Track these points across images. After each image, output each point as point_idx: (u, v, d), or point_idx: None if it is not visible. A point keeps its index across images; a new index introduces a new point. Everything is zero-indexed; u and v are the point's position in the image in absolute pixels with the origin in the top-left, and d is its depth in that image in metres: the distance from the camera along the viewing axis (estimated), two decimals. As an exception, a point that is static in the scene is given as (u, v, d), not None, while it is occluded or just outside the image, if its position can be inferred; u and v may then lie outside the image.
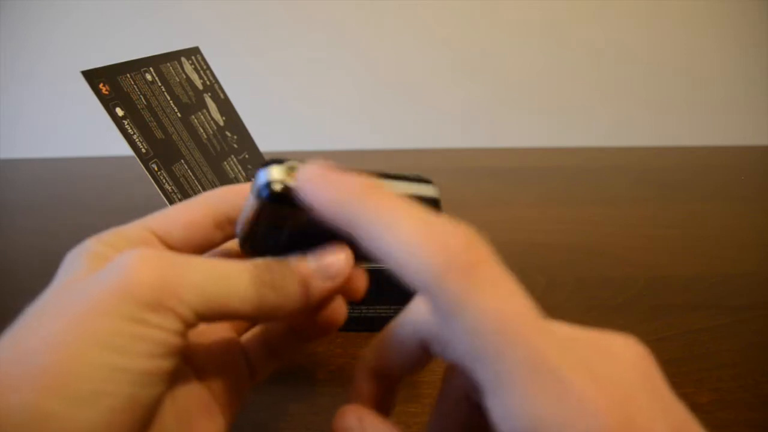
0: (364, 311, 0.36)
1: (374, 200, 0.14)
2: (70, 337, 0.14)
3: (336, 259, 0.18)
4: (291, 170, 0.16)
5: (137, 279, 0.15)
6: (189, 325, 0.16)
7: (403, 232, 0.13)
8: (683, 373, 0.32)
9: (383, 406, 0.19)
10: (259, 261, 0.17)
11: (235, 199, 0.19)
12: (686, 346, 0.35)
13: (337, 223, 0.15)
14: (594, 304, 0.40)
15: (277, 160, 0.16)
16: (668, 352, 0.34)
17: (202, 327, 0.20)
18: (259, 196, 0.16)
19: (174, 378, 0.18)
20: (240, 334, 0.22)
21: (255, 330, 0.22)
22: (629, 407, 0.12)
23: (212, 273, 0.16)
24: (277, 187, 0.15)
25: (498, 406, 0.12)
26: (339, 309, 0.20)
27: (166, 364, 0.15)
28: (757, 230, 0.53)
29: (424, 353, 0.18)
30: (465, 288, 0.13)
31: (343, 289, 0.19)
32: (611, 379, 0.13)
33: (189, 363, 0.19)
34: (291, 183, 0.15)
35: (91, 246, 0.18)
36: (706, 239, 0.50)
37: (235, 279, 0.16)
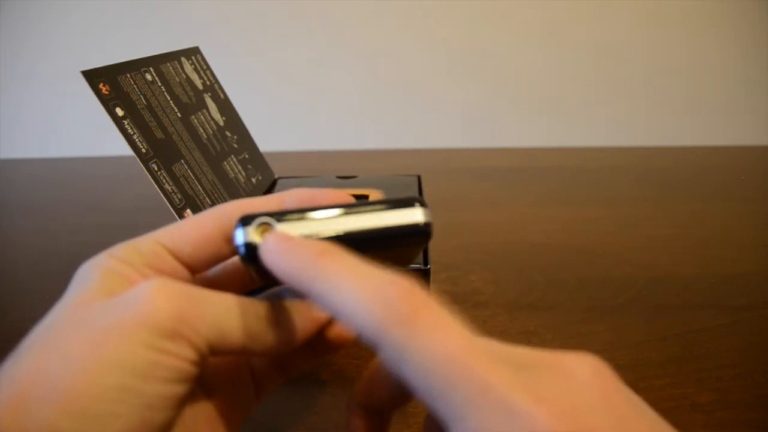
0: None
1: (323, 266, 0.15)
2: (89, 359, 0.15)
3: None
4: (263, 228, 0.17)
5: (156, 308, 0.16)
6: (202, 355, 0.16)
7: (347, 292, 0.15)
8: (683, 373, 0.32)
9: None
10: (271, 298, 0.19)
11: (248, 209, 0.20)
12: (686, 346, 0.35)
13: (295, 287, 0.16)
14: (594, 304, 0.40)
15: (251, 217, 0.17)
16: (668, 352, 0.34)
17: None
18: (237, 252, 0.17)
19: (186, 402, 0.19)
20: None
21: None
22: (577, 420, 0.12)
23: (226, 309, 0.17)
24: (249, 249, 0.17)
25: None
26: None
27: (179, 389, 0.16)
28: (757, 230, 0.53)
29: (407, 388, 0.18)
30: (406, 336, 0.14)
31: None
32: (559, 396, 0.13)
33: (205, 392, 0.20)
34: (260, 242, 0.17)
35: (104, 261, 0.18)
36: (706, 239, 0.50)
37: (249, 313, 0.18)
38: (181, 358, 0.16)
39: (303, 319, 0.19)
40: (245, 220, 0.17)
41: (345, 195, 0.20)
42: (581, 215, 0.56)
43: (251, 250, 0.17)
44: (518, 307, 0.39)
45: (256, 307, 0.18)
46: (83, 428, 0.14)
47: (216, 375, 0.20)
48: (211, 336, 0.16)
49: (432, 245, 0.37)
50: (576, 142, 0.91)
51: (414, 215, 0.18)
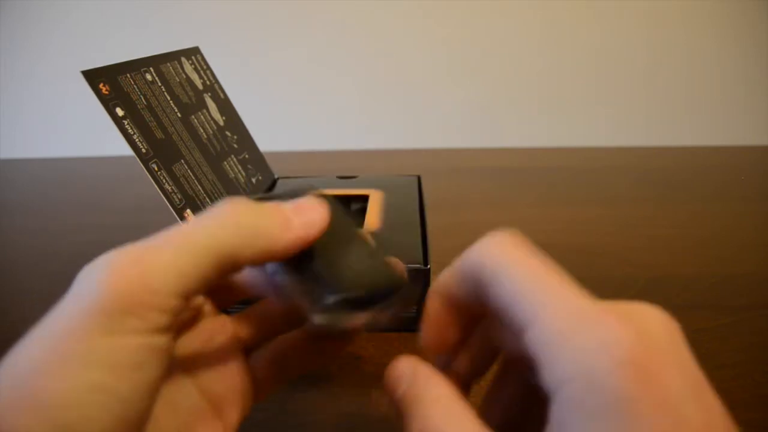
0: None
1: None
2: (52, 359, 0.14)
3: (312, 208, 0.19)
4: None
5: (105, 289, 0.15)
6: (172, 310, 0.15)
7: (467, 251, 0.18)
8: (683, 373, 0.32)
9: (448, 332, 0.20)
10: (240, 206, 0.17)
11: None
12: (686, 346, 0.35)
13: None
14: (594, 304, 0.40)
15: None
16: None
17: (207, 344, 0.21)
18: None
19: (173, 385, 0.19)
20: (247, 350, 0.22)
21: (263, 348, 0.22)
22: (647, 340, 0.13)
23: (185, 245, 0.16)
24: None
25: (531, 334, 0.15)
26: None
27: (152, 370, 0.15)
28: (757, 230, 0.53)
29: (480, 292, 0.19)
30: (504, 254, 0.17)
31: None
32: (630, 317, 0.14)
33: (192, 377, 0.20)
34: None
35: (102, 260, 0.18)
36: (706, 239, 0.50)
37: (216, 233, 0.16)
38: (147, 331, 0.15)
39: (275, 222, 0.18)
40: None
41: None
42: (581, 215, 0.56)
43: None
44: (518, 307, 0.39)
45: (224, 222, 0.17)
46: None
47: (212, 374, 0.20)
48: (176, 285, 0.15)
49: (432, 245, 0.37)
50: (576, 142, 0.91)
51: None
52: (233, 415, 0.20)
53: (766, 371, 0.32)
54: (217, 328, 0.21)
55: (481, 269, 0.17)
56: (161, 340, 0.15)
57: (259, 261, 0.17)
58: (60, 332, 0.14)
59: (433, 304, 0.19)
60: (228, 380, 0.20)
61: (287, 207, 0.19)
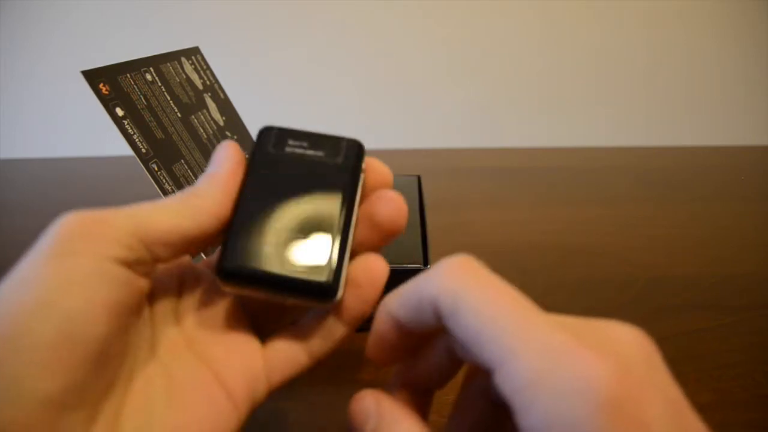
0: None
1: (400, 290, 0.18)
2: (4, 286, 0.15)
3: (219, 151, 0.21)
4: None
5: (64, 221, 0.16)
6: (130, 249, 0.16)
7: (418, 278, 0.17)
8: (683, 373, 0.32)
9: (397, 350, 0.19)
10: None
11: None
12: (686, 346, 0.35)
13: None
14: (594, 304, 0.40)
15: None
16: (668, 352, 0.34)
17: (215, 321, 0.20)
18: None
19: (166, 350, 0.19)
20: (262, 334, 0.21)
21: (278, 333, 0.21)
22: (624, 370, 0.13)
23: (140, 205, 0.18)
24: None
25: (501, 378, 0.14)
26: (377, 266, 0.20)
27: (104, 294, 0.15)
28: (757, 230, 0.53)
29: (452, 360, 0.18)
30: (461, 287, 0.15)
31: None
32: (605, 347, 0.13)
33: (196, 351, 0.19)
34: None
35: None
36: (706, 239, 0.50)
37: (165, 201, 0.18)
38: (102, 257, 0.16)
39: (209, 181, 0.19)
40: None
41: None
42: (581, 215, 0.56)
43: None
44: (518, 307, 0.39)
45: (173, 195, 0.19)
46: (3, 349, 0.14)
47: (220, 349, 0.20)
48: (131, 226, 0.17)
49: (432, 245, 0.37)
50: (576, 142, 0.91)
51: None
52: (238, 386, 0.19)
53: (766, 371, 0.32)
54: (228, 309, 0.21)
55: (437, 301, 0.16)
56: (116, 269, 0.16)
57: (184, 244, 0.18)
58: (20, 266, 0.15)
59: (381, 324, 0.19)
60: (231, 346, 0.20)
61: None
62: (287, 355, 0.20)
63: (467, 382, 0.19)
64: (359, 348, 0.35)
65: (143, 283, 0.18)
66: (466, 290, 0.15)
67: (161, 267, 0.20)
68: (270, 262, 0.18)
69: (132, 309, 0.17)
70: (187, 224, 0.18)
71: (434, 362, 0.19)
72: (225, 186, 0.19)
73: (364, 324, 0.37)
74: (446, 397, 0.21)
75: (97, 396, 0.16)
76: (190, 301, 0.21)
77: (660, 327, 0.37)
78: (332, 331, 0.21)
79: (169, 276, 0.21)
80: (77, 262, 0.15)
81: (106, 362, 0.16)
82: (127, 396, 0.17)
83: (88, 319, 0.15)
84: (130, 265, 0.17)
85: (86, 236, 0.16)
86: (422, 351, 0.19)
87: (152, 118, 0.36)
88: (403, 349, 0.19)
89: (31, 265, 0.15)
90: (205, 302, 0.21)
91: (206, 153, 0.41)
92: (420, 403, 0.20)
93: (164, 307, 0.20)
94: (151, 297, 0.19)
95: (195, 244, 0.19)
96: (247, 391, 0.19)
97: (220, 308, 0.21)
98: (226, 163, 0.20)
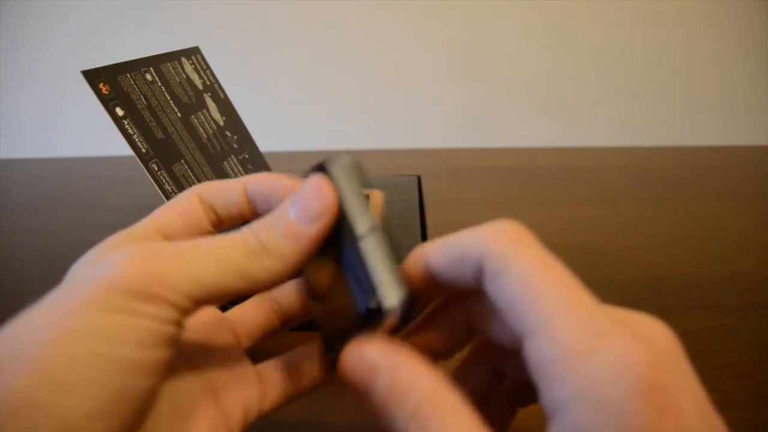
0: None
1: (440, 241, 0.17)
2: (58, 328, 0.14)
3: (313, 197, 0.17)
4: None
5: (126, 270, 0.15)
6: (184, 311, 0.16)
7: (462, 234, 0.17)
8: (683, 373, 0.32)
9: (422, 298, 0.18)
10: (245, 230, 0.17)
11: (215, 191, 0.21)
12: (686, 346, 0.34)
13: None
14: (594, 304, 0.40)
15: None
16: (668, 352, 0.34)
17: (207, 336, 0.21)
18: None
19: (171, 373, 0.18)
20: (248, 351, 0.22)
21: (273, 358, 0.22)
22: (659, 359, 0.13)
23: (204, 254, 0.16)
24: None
25: (536, 344, 0.14)
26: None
27: (157, 354, 0.15)
28: (757, 230, 0.53)
29: (465, 331, 0.18)
30: (511, 249, 0.15)
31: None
32: (641, 333, 0.13)
33: (193, 368, 0.19)
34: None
35: (92, 253, 0.18)
36: (706, 239, 0.50)
37: (228, 253, 0.16)
38: (157, 319, 0.15)
39: (283, 238, 0.17)
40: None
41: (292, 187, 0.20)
42: (581, 215, 0.56)
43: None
44: (518, 307, 0.39)
45: (236, 242, 0.17)
46: (54, 397, 0.13)
47: (214, 363, 0.20)
48: (191, 289, 0.15)
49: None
50: (576, 142, 0.91)
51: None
52: (235, 409, 0.20)
53: (766, 371, 0.32)
54: (216, 322, 0.21)
55: (484, 258, 0.15)
56: (168, 330, 0.15)
57: (244, 292, 0.17)
58: (70, 306, 0.14)
59: (413, 269, 0.18)
60: (229, 372, 0.20)
61: (291, 215, 0.17)
62: (281, 386, 0.21)
63: (472, 354, 0.20)
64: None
65: (180, 332, 0.17)
66: (516, 254, 0.15)
67: None
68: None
69: (173, 360, 0.16)
70: (245, 286, 0.16)
71: (447, 331, 0.19)
72: (305, 250, 0.17)
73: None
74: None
75: None
76: (191, 325, 0.20)
77: (660, 327, 0.37)
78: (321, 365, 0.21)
79: None
80: (133, 322, 0.15)
81: (143, 411, 0.16)
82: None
83: (137, 374, 0.15)
84: (180, 324, 0.16)
85: (146, 298, 0.15)
86: (435, 317, 0.19)
87: (152, 118, 0.36)
88: (427, 298, 0.19)
89: (82, 311, 0.14)
90: (207, 329, 0.21)
91: (206, 153, 0.41)
92: (432, 290, 0.19)
93: None
94: None
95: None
96: (243, 416, 0.20)
97: (220, 334, 0.21)
98: (319, 223, 0.17)
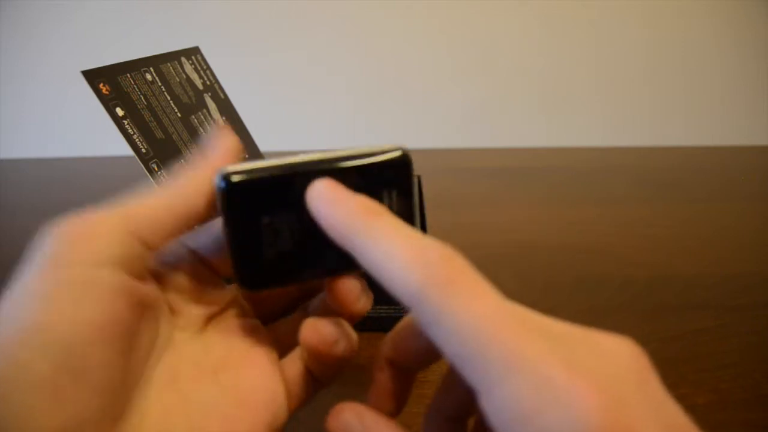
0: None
1: (370, 223, 0.16)
2: (10, 311, 0.15)
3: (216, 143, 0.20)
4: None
5: (54, 232, 0.16)
6: (125, 248, 0.16)
7: (390, 250, 0.15)
8: (683, 374, 0.32)
9: (398, 398, 0.19)
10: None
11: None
12: (686, 346, 0.35)
13: (338, 240, 0.16)
14: (594, 304, 0.40)
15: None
16: (668, 352, 0.34)
17: (233, 339, 0.20)
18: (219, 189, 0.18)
19: (188, 382, 0.18)
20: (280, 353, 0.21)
21: (295, 352, 0.21)
22: (616, 400, 0.12)
23: (126, 201, 0.17)
24: (235, 178, 0.17)
25: (487, 405, 0.13)
26: (350, 288, 0.19)
27: (97, 305, 0.15)
28: (757, 230, 0.53)
29: (434, 347, 0.18)
30: (443, 299, 0.14)
31: (343, 309, 0.19)
32: (594, 371, 0.13)
33: (215, 373, 0.19)
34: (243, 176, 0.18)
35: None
36: (706, 239, 0.50)
37: (144, 197, 0.18)
38: (94, 262, 0.15)
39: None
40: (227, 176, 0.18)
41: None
42: (581, 215, 0.56)
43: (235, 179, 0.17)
44: (518, 307, 0.39)
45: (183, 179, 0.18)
46: (38, 357, 0.14)
47: (238, 368, 0.19)
48: (123, 224, 0.16)
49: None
50: (576, 142, 0.91)
51: (393, 152, 0.19)
52: (262, 415, 0.19)
53: (765, 371, 0.32)
54: (244, 325, 0.21)
55: (413, 308, 0.14)
56: (112, 276, 0.15)
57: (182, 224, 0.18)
58: (15, 282, 0.15)
59: (382, 375, 0.19)
60: (255, 378, 0.19)
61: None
62: (303, 381, 0.21)
63: (449, 371, 0.19)
64: (361, 348, 0.35)
65: (145, 291, 0.17)
66: (449, 303, 0.13)
67: (180, 281, 0.19)
68: None
69: (137, 326, 0.16)
70: (175, 203, 0.18)
71: (419, 347, 0.18)
72: (213, 165, 0.18)
73: (366, 324, 0.37)
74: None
75: (109, 426, 0.15)
76: (214, 315, 0.20)
77: (660, 327, 0.37)
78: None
79: (185, 281, 0.19)
80: (70, 274, 0.15)
81: (115, 389, 0.15)
82: (145, 420, 0.16)
83: (87, 344, 0.14)
84: (126, 266, 0.16)
85: (76, 243, 0.15)
86: (407, 334, 0.19)
87: (152, 118, 0.36)
88: (405, 389, 0.19)
89: (23, 284, 0.15)
90: (230, 321, 0.20)
91: (206, 153, 0.41)
92: (404, 381, 0.19)
93: (185, 320, 0.19)
94: (170, 312, 0.19)
95: (186, 223, 0.18)
96: (269, 418, 0.19)
97: (244, 325, 0.20)
98: (218, 149, 0.19)
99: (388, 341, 0.19)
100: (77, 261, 0.15)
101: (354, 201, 0.16)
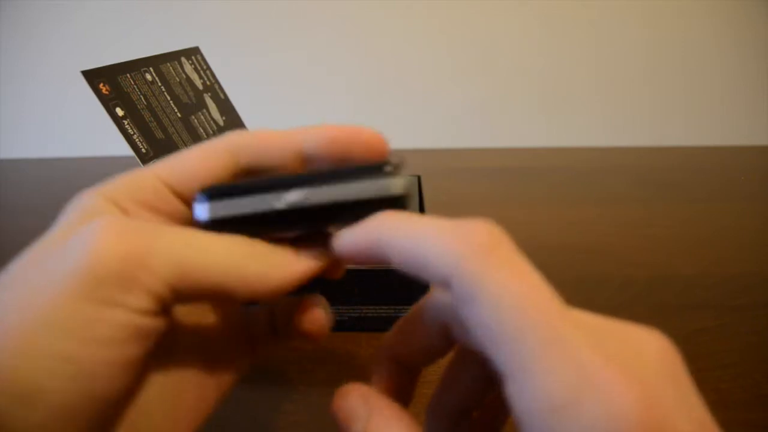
0: (364, 311, 0.36)
1: (392, 223, 0.15)
2: (17, 323, 0.13)
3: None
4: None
5: (102, 249, 0.13)
6: (162, 301, 0.14)
7: (426, 232, 0.14)
8: (683, 373, 0.32)
9: (401, 397, 0.18)
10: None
11: (263, 147, 0.18)
12: (686, 346, 0.34)
13: (371, 257, 0.15)
14: (594, 305, 0.40)
15: (214, 191, 0.17)
16: (668, 352, 0.34)
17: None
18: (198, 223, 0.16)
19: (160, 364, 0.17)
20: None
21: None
22: (651, 393, 0.12)
23: (189, 239, 0.15)
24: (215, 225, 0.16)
25: (517, 391, 0.12)
26: (320, 320, 0.19)
27: (131, 351, 0.14)
28: (757, 230, 0.53)
29: (444, 339, 0.17)
30: (484, 269, 0.13)
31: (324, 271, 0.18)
32: (633, 365, 0.12)
33: (185, 337, 0.18)
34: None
35: (89, 201, 0.16)
36: (706, 239, 0.50)
37: (216, 245, 0.15)
38: (132, 311, 0.13)
39: (281, 251, 0.16)
40: (206, 193, 0.16)
41: (371, 135, 0.18)
42: (581, 215, 0.56)
43: (211, 224, 0.16)
44: (518, 307, 0.39)
45: (226, 239, 0.15)
46: (17, 407, 0.12)
47: (208, 331, 0.19)
48: (171, 275, 0.14)
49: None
50: (576, 142, 0.91)
51: (389, 187, 0.16)
52: (228, 376, 0.19)
53: (765, 371, 0.32)
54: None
55: (450, 282, 0.13)
56: (143, 322, 0.14)
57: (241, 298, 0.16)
58: (38, 292, 0.13)
59: (381, 370, 0.18)
60: (224, 338, 0.19)
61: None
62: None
63: (458, 356, 0.18)
64: (360, 348, 0.35)
65: (162, 324, 0.15)
66: (489, 275, 0.13)
67: None
68: None
69: (149, 355, 0.15)
70: (233, 287, 0.15)
71: (425, 342, 0.18)
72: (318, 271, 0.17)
73: (366, 324, 0.37)
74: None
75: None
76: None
77: (660, 327, 0.36)
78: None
79: None
80: (109, 315, 0.13)
81: (118, 412, 0.15)
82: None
83: (109, 375, 0.13)
84: (158, 314, 0.14)
85: (126, 284, 0.13)
86: (411, 328, 0.18)
87: (152, 118, 0.36)
88: (408, 389, 0.19)
89: (54, 303, 0.13)
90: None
91: (206, 153, 0.41)
92: (406, 378, 0.19)
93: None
94: None
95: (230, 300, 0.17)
96: (237, 372, 0.19)
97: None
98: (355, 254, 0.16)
99: (392, 335, 0.18)
100: (117, 303, 0.13)
101: (367, 224, 0.15)
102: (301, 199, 0.16)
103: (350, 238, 0.15)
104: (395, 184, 0.16)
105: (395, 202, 0.16)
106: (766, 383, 0.31)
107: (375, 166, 0.16)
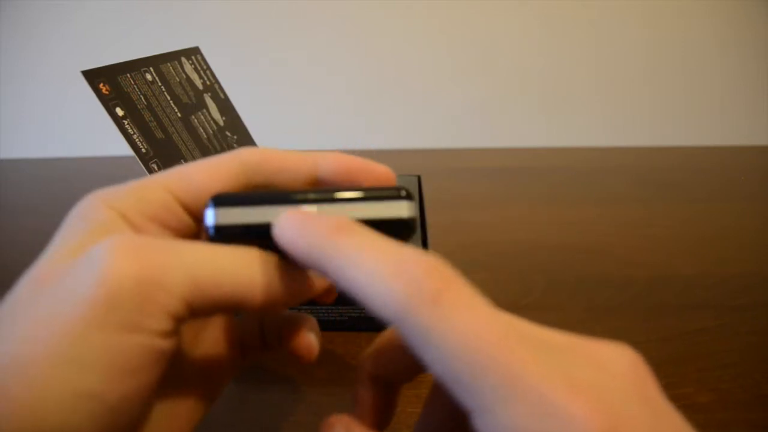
0: (364, 311, 0.36)
1: (342, 241, 0.14)
2: (35, 354, 0.12)
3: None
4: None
5: (116, 275, 0.13)
6: (179, 320, 0.14)
7: (367, 268, 0.13)
8: (683, 373, 0.32)
9: (384, 413, 0.19)
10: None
11: (278, 168, 0.18)
12: (686, 346, 0.35)
13: (311, 266, 0.15)
14: (594, 305, 0.40)
15: (225, 198, 0.16)
16: (668, 352, 0.34)
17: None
18: (207, 233, 0.16)
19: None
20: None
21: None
22: (614, 415, 0.12)
23: (201, 254, 0.14)
24: (219, 231, 0.16)
25: (483, 425, 0.12)
26: (309, 345, 0.20)
27: (150, 376, 0.14)
28: (757, 230, 0.52)
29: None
30: (431, 318, 0.13)
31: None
32: (595, 387, 0.12)
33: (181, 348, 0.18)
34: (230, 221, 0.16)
35: (94, 213, 0.16)
36: (706, 239, 0.50)
37: (227, 258, 0.15)
38: (153, 334, 0.13)
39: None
40: (218, 200, 0.16)
41: (384, 170, 0.19)
42: (581, 215, 0.56)
43: (222, 231, 0.16)
44: (518, 307, 0.39)
45: (249, 251, 0.15)
46: None
47: (203, 343, 0.19)
48: (186, 291, 0.14)
49: (432, 245, 0.37)
50: (575, 142, 0.91)
51: (402, 208, 0.16)
52: (219, 382, 0.19)
53: (765, 371, 0.32)
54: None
55: (399, 328, 0.13)
56: (165, 344, 0.14)
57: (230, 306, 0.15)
58: (52, 323, 0.13)
59: (364, 392, 0.18)
60: (217, 345, 0.19)
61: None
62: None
63: (433, 388, 0.18)
64: (360, 348, 0.35)
65: (177, 343, 0.15)
66: (438, 323, 0.12)
67: None
68: None
69: (164, 373, 0.15)
70: (247, 297, 0.15)
71: (402, 360, 0.17)
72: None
73: (364, 324, 0.37)
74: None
75: None
76: None
77: (660, 327, 0.37)
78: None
79: None
80: (127, 342, 0.13)
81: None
82: None
83: (129, 406, 0.13)
84: (175, 333, 0.14)
85: (140, 308, 0.13)
86: (388, 346, 0.18)
87: (152, 118, 0.36)
88: (391, 403, 0.19)
89: (71, 334, 0.12)
90: None
91: (206, 153, 0.41)
92: (388, 395, 0.19)
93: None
94: None
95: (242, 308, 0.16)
96: (227, 378, 0.20)
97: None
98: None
99: (369, 357, 0.18)
100: (135, 328, 0.13)
101: (320, 222, 0.14)
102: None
103: (292, 233, 0.15)
104: (409, 208, 0.16)
105: (406, 225, 0.16)
106: (766, 383, 0.31)
107: (390, 188, 0.17)
